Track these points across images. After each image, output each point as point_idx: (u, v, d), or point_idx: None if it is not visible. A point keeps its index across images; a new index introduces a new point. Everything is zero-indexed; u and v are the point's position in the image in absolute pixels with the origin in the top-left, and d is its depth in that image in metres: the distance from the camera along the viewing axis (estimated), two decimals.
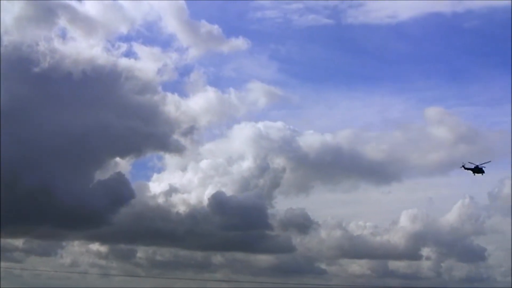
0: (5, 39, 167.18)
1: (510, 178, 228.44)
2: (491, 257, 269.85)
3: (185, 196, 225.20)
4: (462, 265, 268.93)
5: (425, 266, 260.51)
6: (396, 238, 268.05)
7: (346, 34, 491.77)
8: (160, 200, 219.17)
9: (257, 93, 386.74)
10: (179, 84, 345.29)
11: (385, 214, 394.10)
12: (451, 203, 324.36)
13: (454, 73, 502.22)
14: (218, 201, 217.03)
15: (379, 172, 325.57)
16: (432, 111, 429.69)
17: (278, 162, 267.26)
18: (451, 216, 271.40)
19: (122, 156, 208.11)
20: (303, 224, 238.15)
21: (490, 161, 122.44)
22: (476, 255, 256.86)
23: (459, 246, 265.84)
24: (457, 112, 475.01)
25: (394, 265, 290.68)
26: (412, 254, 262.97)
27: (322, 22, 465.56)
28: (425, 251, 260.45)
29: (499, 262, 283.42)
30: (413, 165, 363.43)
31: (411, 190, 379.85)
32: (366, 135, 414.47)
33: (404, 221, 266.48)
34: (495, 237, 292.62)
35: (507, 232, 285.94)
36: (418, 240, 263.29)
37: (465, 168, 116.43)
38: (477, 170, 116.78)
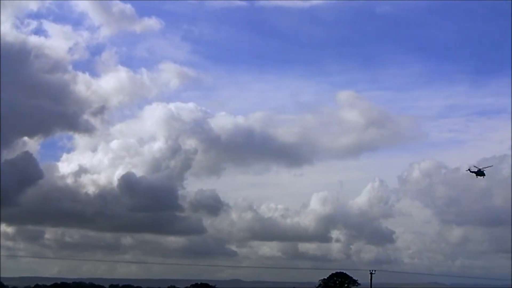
0: None
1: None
2: (399, 240, 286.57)
3: (94, 176, 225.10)
4: (370, 247, 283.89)
5: (334, 248, 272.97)
6: (307, 220, 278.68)
7: (259, 16, 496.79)
8: (69, 180, 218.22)
9: (169, 74, 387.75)
10: (90, 63, 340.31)
11: (296, 196, 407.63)
12: (361, 186, 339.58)
13: (366, 57, 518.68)
14: (128, 182, 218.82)
15: (291, 155, 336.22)
16: (344, 95, 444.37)
17: (190, 143, 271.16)
18: (361, 199, 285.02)
19: (30, 135, 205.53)
20: (214, 206, 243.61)
21: (492, 166, 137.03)
22: (384, 238, 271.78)
23: (368, 229, 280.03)
24: (368, 96, 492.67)
25: (304, 247, 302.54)
26: (322, 236, 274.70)
27: (235, 3, 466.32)
28: (335, 234, 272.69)
29: (407, 245, 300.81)
30: (324, 148, 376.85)
31: (322, 173, 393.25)
32: (278, 118, 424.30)
33: (315, 203, 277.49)
34: (403, 220, 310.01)
35: (415, 215, 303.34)
36: (328, 222, 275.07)
37: (471, 172, 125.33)
38: (479, 173, 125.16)
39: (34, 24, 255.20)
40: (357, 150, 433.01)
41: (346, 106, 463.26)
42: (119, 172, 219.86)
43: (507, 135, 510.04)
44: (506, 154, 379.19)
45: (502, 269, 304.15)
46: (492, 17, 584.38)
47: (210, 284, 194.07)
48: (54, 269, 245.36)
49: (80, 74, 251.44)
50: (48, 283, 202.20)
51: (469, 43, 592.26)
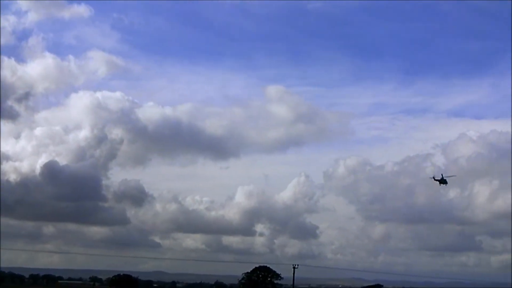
0: None
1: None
2: (323, 235, 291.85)
3: (16, 164, 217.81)
4: (294, 242, 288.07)
5: (258, 242, 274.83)
6: (231, 213, 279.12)
7: (191, 8, 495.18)
8: None
9: (98, 62, 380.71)
10: (16, 48, 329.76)
11: (221, 189, 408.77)
12: (287, 180, 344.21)
13: (296, 53, 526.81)
14: (51, 170, 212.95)
15: (217, 148, 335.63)
16: (272, 90, 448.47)
17: (116, 133, 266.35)
18: (286, 194, 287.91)
19: None
20: (138, 197, 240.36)
21: (455, 175, 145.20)
22: (308, 233, 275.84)
23: (293, 223, 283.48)
24: (297, 92, 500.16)
25: (228, 240, 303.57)
26: (246, 230, 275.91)
27: None
28: (259, 227, 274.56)
29: (330, 240, 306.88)
30: (251, 142, 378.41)
31: (249, 166, 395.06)
32: (206, 110, 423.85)
33: (240, 197, 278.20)
34: (328, 215, 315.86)
35: (339, 211, 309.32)
36: (253, 216, 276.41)
37: (434, 179, 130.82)
38: (443, 181, 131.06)
39: None
40: (284, 145, 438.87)
41: (275, 101, 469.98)
42: (42, 160, 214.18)
43: (432, 134, 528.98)
44: (429, 153, 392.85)
45: (423, 266, 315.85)
46: (421, 18, 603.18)
47: (133, 275, 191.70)
48: None
49: (5, 59, 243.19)
50: None
51: (398, 42, 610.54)
